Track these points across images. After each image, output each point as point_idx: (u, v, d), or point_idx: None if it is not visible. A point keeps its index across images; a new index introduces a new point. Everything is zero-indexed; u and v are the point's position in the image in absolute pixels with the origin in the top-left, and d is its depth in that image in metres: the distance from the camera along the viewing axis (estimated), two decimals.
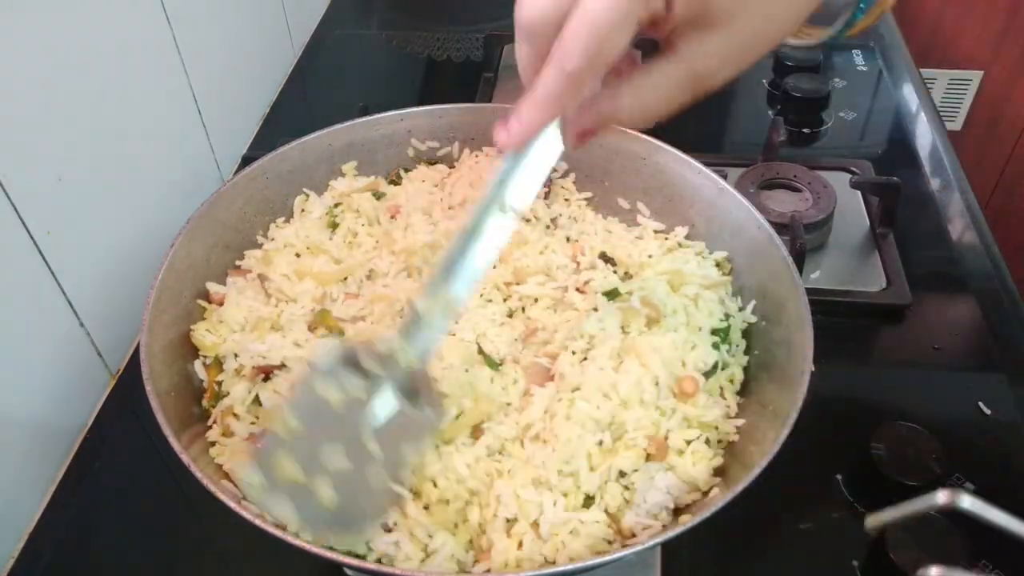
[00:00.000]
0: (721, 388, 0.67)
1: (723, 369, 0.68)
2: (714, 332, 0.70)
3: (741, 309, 0.72)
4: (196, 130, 1.05)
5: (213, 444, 0.64)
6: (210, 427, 0.66)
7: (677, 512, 0.61)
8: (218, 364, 0.69)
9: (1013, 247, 1.04)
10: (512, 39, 0.46)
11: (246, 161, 1.07)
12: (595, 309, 0.69)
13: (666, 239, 0.79)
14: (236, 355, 0.68)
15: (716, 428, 0.64)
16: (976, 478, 0.74)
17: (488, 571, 0.57)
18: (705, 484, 0.61)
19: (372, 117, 0.85)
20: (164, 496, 0.78)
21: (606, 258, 0.76)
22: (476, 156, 0.86)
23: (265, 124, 1.24)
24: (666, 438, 0.62)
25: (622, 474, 0.61)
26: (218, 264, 0.76)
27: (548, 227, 0.81)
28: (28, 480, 0.77)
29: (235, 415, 0.65)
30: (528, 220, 0.80)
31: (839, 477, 0.75)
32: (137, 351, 0.90)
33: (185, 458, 0.55)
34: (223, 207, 0.77)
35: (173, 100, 1.00)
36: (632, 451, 0.61)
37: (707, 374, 0.67)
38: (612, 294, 0.70)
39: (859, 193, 1.04)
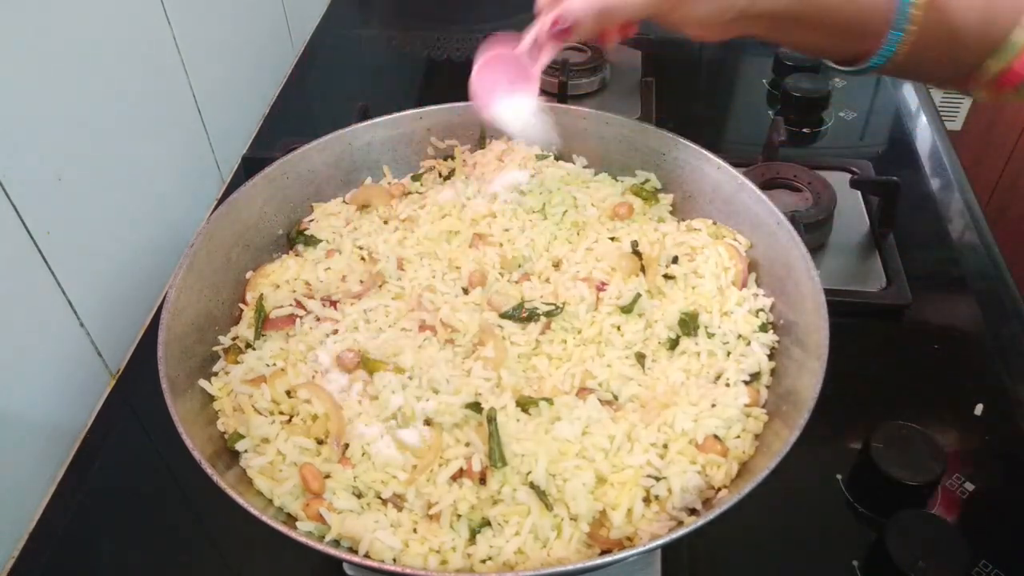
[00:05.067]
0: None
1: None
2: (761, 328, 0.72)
3: (761, 310, 0.73)
4: (196, 130, 1.05)
5: (224, 435, 0.65)
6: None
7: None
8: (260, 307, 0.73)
9: (1013, 247, 1.04)
10: None
11: (246, 161, 1.07)
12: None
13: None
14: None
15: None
16: (976, 478, 0.74)
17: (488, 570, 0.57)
18: (727, 481, 0.62)
19: (391, 116, 0.86)
20: (164, 495, 0.78)
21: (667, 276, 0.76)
22: (475, 158, 0.87)
23: (265, 124, 1.24)
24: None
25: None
26: (239, 263, 0.76)
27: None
28: (28, 480, 0.77)
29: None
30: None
31: (839, 477, 0.75)
32: (137, 351, 0.91)
33: (197, 455, 0.56)
34: (243, 206, 0.77)
35: (173, 100, 1.00)
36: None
37: (753, 376, 0.68)
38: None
39: (859, 193, 1.04)
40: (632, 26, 0.69)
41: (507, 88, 0.73)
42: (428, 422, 0.64)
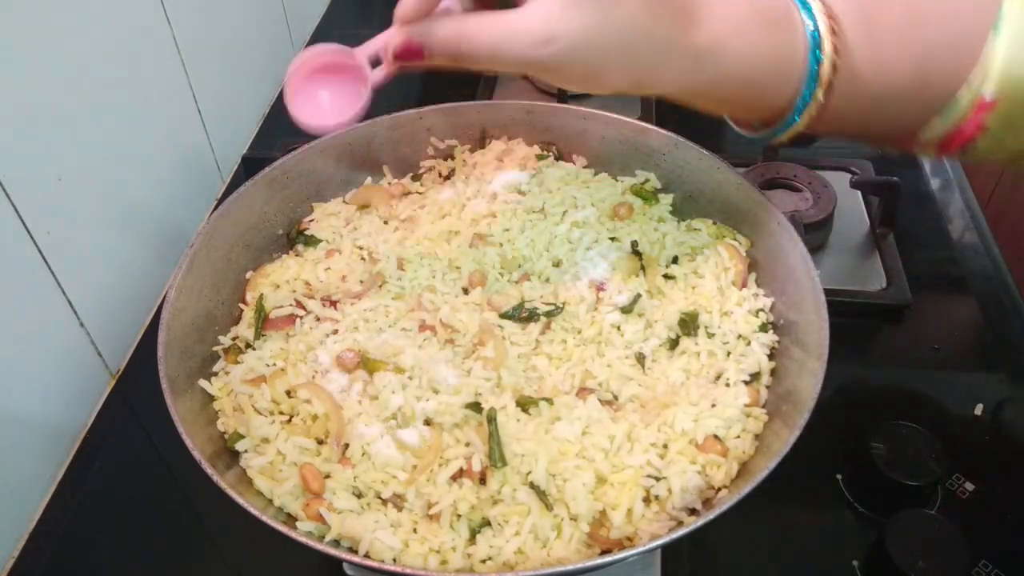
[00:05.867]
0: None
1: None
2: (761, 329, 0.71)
3: (761, 310, 0.73)
4: (196, 130, 1.05)
5: (223, 435, 0.65)
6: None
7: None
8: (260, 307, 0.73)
9: (1013, 247, 1.04)
10: None
11: (246, 161, 1.07)
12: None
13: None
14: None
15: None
16: (976, 478, 0.74)
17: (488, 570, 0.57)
18: (727, 481, 0.62)
19: (390, 116, 0.85)
20: (164, 495, 0.78)
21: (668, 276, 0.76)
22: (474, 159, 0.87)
23: (265, 124, 1.24)
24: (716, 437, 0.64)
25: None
26: (239, 263, 0.76)
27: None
28: (28, 480, 0.77)
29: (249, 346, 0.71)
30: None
31: (839, 477, 0.75)
32: (137, 351, 0.91)
33: (197, 455, 0.56)
34: (243, 207, 0.77)
35: (173, 100, 1.00)
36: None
37: (753, 376, 0.68)
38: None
39: (859, 193, 1.05)
40: None
41: (335, 95, 0.68)
42: (428, 422, 0.64)
